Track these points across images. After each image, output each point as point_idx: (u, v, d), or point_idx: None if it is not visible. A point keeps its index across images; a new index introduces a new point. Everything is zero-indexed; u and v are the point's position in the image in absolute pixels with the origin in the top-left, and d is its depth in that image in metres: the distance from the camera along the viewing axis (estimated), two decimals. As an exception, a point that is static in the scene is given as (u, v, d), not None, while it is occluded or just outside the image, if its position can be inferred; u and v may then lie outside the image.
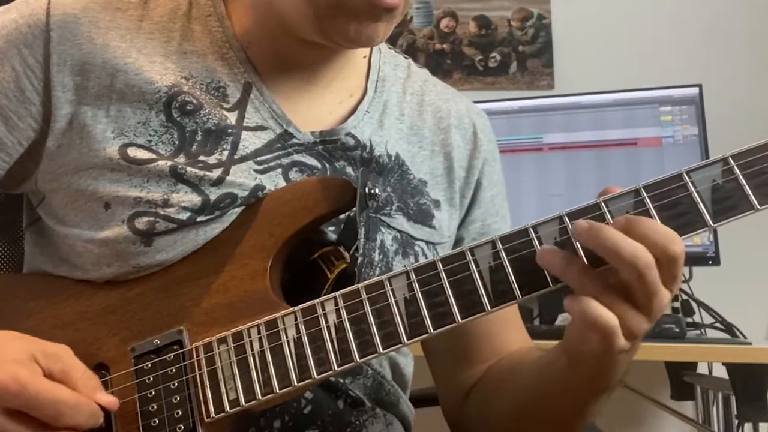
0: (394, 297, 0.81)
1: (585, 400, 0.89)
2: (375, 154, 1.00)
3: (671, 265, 0.75)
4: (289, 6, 0.93)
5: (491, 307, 0.79)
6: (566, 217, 0.80)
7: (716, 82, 2.31)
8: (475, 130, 1.11)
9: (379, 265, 0.96)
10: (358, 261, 0.91)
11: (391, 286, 0.81)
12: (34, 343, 0.79)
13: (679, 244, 0.75)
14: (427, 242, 1.01)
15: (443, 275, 0.80)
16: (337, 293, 0.82)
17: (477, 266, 0.80)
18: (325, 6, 0.90)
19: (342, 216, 0.92)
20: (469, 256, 0.80)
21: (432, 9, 2.67)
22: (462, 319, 0.79)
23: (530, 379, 0.95)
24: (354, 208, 0.89)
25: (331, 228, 0.93)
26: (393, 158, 1.01)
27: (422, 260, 0.98)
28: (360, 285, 0.82)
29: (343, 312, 0.81)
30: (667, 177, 0.80)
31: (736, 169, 0.79)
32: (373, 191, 0.90)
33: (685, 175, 0.79)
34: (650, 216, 0.78)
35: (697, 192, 0.79)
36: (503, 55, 2.66)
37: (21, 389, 0.73)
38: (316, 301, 0.83)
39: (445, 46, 2.66)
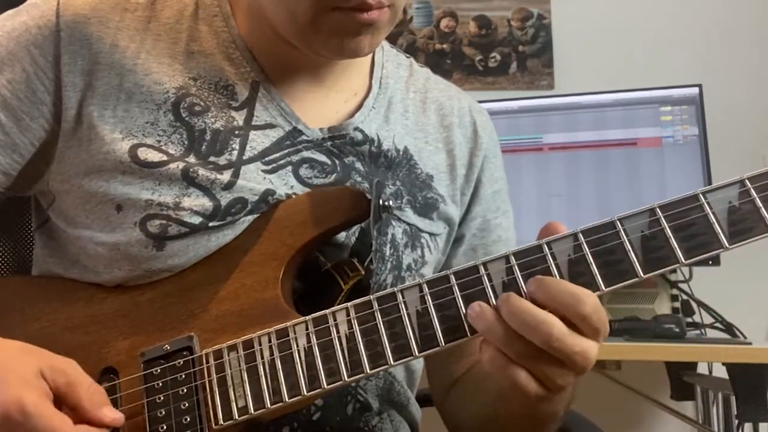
0: (407, 309, 0.81)
1: (533, 426, 0.89)
2: (383, 148, 1.00)
3: (586, 323, 0.75)
4: (277, 20, 0.93)
5: (503, 321, 0.79)
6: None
7: (716, 82, 2.31)
8: (476, 127, 1.11)
9: (390, 259, 0.96)
10: (372, 273, 0.91)
11: (403, 298, 0.81)
12: (42, 357, 0.79)
13: (588, 303, 0.74)
14: (431, 234, 1.02)
15: (456, 288, 0.80)
16: (348, 304, 0.82)
17: (490, 280, 0.80)
18: (304, 22, 0.90)
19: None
20: (482, 270, 0.80)
21: (432, 9, 2.65)
22: (472, 333, 0.79)
23: (489, 395, 0.95)
24: (368, 219, 0.90)
25: (342, 234, 0.93)
26: (401, 152, 1.02)
27: (430, 261, 1.00)
28: (372, 296, 0.82)
29: (355, 323, 0.81)
30: (682, 198, 0.79)
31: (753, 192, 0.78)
32: (387, 203, 0.90)
33: (701, 195, 0.79)
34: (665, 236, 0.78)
35: (713, 213, 0.78)
36: (503, 55, 2.65)
37: (24, 420, 0.73)
38: (327, 311, 0.83)
39: (445, 46, 2.65)
